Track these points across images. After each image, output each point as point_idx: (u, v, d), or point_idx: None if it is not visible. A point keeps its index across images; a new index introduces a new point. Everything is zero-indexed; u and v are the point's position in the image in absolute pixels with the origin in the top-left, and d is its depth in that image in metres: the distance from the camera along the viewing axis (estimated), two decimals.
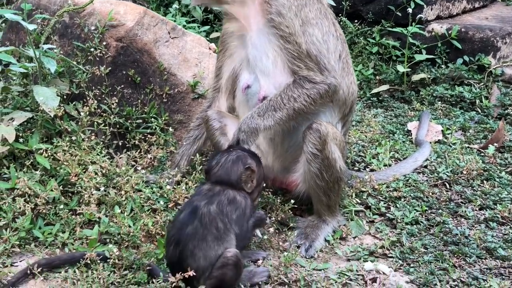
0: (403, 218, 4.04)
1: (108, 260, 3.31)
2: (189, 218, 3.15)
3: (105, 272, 3.21)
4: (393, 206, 4.21)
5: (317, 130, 3.62)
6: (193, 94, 4.76)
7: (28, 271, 3.19)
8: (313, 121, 3.69)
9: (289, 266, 3.41)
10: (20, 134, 3.98)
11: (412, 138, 5.51)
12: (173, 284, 3.02)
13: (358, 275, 3.46)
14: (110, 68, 4.45)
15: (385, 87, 6.76)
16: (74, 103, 4.31)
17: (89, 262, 3.28)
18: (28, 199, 3.67)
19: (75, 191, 3.80)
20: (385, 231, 3.91)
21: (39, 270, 3.20)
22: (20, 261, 3.43)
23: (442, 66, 6.66)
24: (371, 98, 6.72)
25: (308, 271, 3.45)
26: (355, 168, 4.76)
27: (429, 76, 6.61)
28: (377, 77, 6.91)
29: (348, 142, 5.03)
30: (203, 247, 3.05)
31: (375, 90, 6.77)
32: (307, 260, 3.57)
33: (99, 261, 3.28)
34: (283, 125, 3.69)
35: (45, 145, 3.93)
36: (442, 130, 5.58)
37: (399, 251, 3.68)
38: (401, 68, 6.51)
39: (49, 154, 3.90)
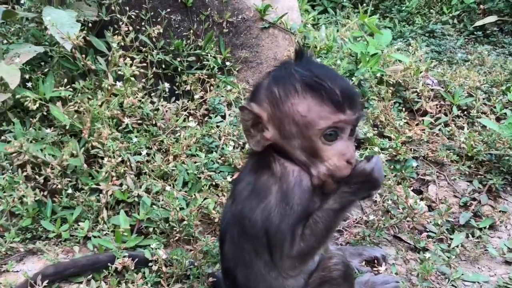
0: None
1: (150, 265, 2.19)
2: (223, 229, 1.96)
3: (146, 287, 2.09)
4: None
5: None
6: (262, 22, 3.50)
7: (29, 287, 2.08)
8: None
9: (427, 278, 2.20)
10: (28, 76, 2.84)
11: None
12: None
13: None
14: None
15: (492, 18, 5.49)
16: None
17: (121, 267, 2.16)
18: (36, 170, 2.55)
19: (105, 156, 2.63)
20: None
21: (45, 283, 2.09)
22: (23, 264, 2.33)
23: None
24: (475, 32, 5.49)
25: (453, 282, 2.25)
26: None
27: None
28: (482, 6, 5.63)
29: (469, 87, 3.72)
30: (253, 276, 1.84)
31: (479, 23, 5.53)
32: (448, 265, 2.36)
33: (134, 267, 2.17)
34: None
35: (63, 92, 2.77)
36: None
37: None
38: None
39: (70, 104, 2.76)
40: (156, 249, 2.19)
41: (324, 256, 1.87)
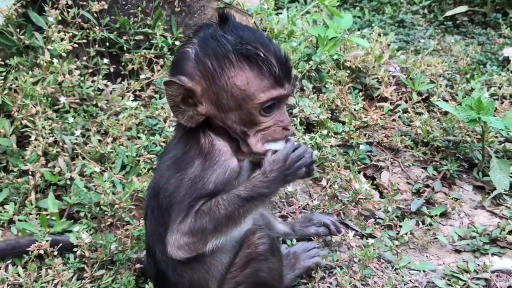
0: None
1: (75, 250, 2.04)
2: (146, 204, 1.87)
3: (66, 273, 1.94)
4: None
5: None
6: (217, 2, 3.35)
7: None
8: None
9: (368, 265, 2.08)
10: None
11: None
12: None
13: (479, 279, 2.13)
14: None
15: (462, 8, 5.44)
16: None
17: (43, 253, 2.01)
18: None
19: (36, 136, 2.46)
20: (508, 203, 2.57)
21: None
22: None
23: None
24: (445, 23, 5.39)
25: (398, 271, 2.14)
26: (443, 110, 3.32)
27: None
28: None
29: (432, 74, 3.59)
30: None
31: (449, 13, 5.44)
32: (394, 252, 2.24)
33: (59, 252, 2.03)
34: None
35: None
36: None
37: None
38: None
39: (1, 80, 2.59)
40: (79, 232, 2.03)
41: (246, 233, 1.75)
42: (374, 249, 2.11)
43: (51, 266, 1.98)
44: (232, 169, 1.63)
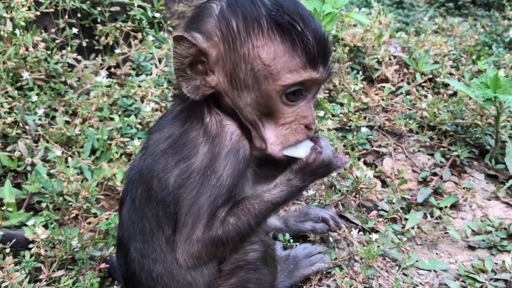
0: None
1: (30, 247, 1.75)
2: (125, 188, 1.54)
3: (19, 274, 1.65)
4: None
5: None
6: None
7: None
8: None
9: (372, 264, 1.80)
10: None
11: None
12: None
13: (497, 280, 1.85)
14: None
15: None
16: None
17: None
18: None
19: None
20: None
21: None
22: None
23: None
24: (446, 4, 5.11)
25: (406, 270, 1.86)
26: (449, 92, 3.03)
27: None
28: None
29: (436, 54, 3.31)
30: (150, 252, 1.43)
31: None
32: (400, 248, 1.96)
33: (11, 249, 1.73)
34: None
35: None
36: None
37: None
38: None
39: None
40: (34, 226, 1.74)
41: None
42: (378, 246, 1.82)
43: (1, 266, 1.69)
44: (247, 158, 1.35)
